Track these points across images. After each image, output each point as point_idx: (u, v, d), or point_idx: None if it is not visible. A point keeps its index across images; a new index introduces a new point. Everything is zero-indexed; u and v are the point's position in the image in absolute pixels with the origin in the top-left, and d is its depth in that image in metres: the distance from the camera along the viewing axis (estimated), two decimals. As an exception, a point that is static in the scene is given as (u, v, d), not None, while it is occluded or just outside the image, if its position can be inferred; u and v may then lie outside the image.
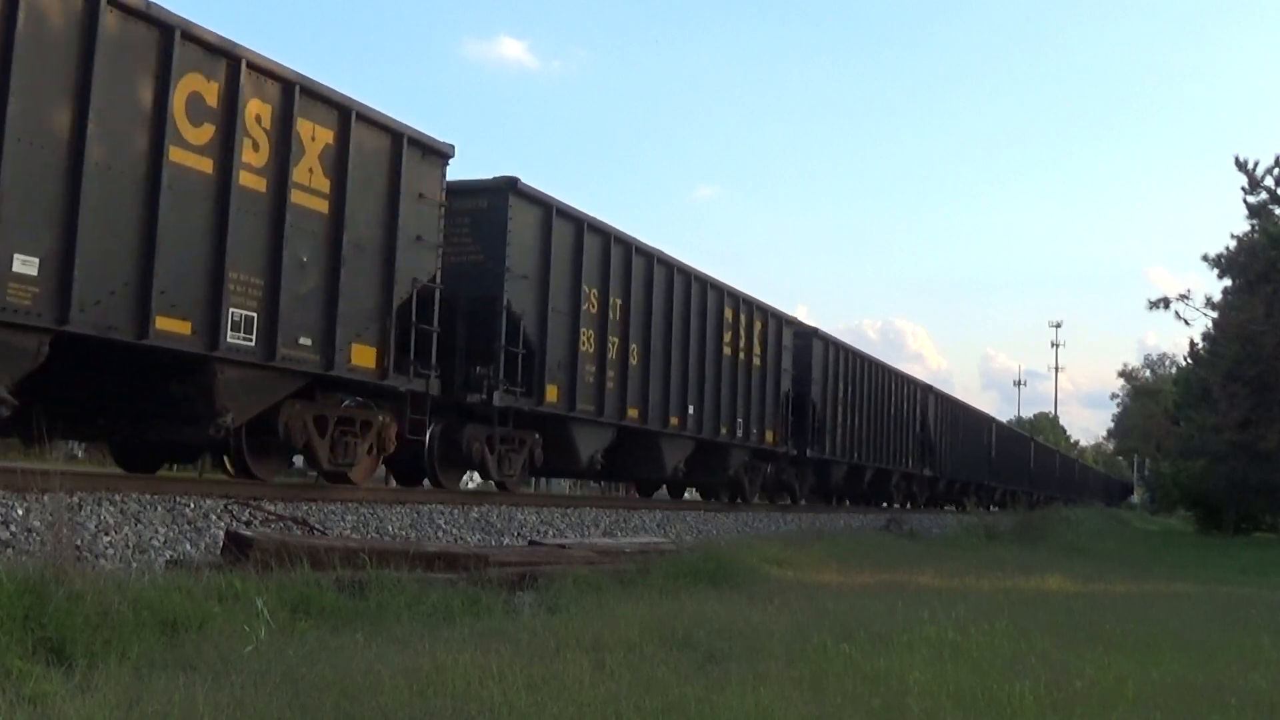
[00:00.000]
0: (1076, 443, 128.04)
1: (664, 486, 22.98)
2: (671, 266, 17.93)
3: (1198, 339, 40.31)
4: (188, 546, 8.67)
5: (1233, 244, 33.08)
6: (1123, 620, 9.31)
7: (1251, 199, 31.45)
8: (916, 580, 12.27)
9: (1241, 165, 31.06)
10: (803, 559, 13.49)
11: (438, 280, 12.45)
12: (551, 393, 14.71)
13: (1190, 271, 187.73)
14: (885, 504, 32.13)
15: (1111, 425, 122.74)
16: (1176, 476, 58.30)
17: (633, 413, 16.69)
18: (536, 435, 15.03)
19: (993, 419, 48.06)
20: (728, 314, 19.97)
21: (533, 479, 21.67)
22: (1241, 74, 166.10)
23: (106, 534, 8.27)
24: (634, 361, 16.69)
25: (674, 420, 17.99)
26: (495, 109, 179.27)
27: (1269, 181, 30.94)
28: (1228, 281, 33.97)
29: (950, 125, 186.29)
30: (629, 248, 16.64)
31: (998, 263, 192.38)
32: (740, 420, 20.51)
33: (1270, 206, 31.30)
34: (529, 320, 14.19)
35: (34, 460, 10.94)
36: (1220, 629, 9.34)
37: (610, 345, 15.98)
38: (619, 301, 16.27)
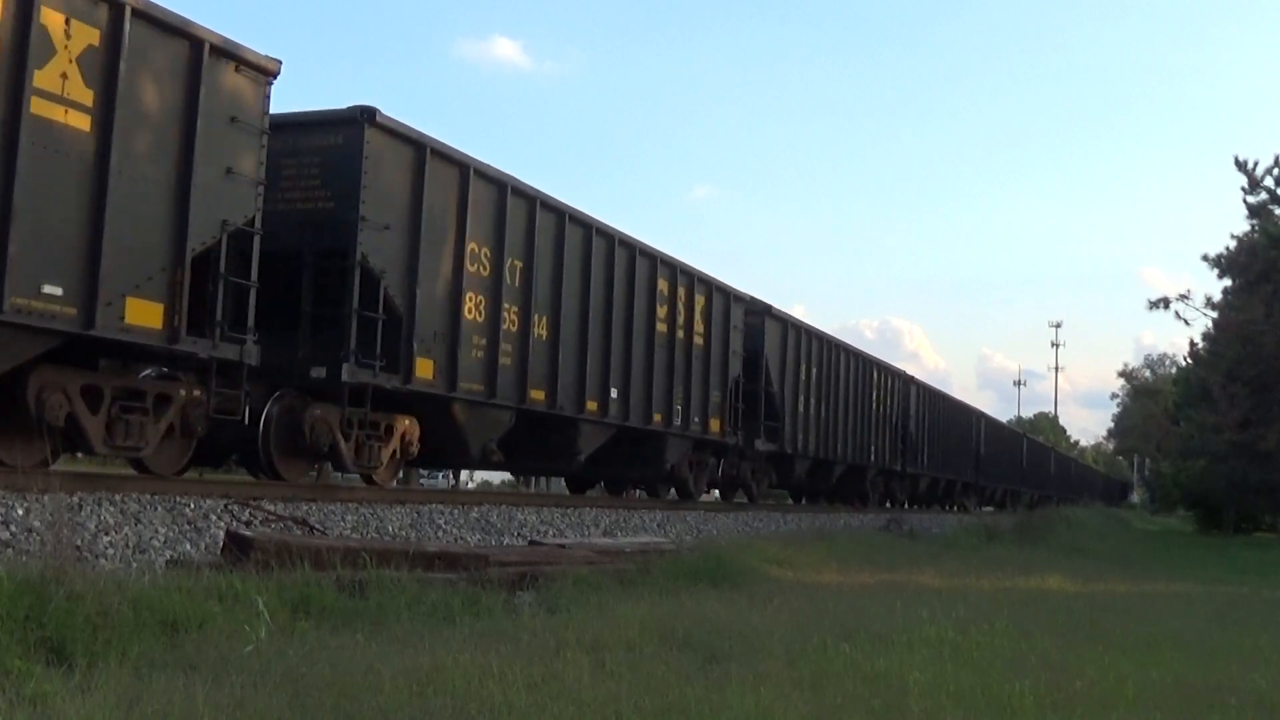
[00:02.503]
0: (1076, 443, 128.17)
1: (563, 480, 20.56)
2: (589, 227, 15.70)
3: (1197, 339, 40.36)
4: (188, 546, 8.67)
5: (1233, 244, 33.10)
6: (1123, 620, 9.31)
7: (1251, 199, 31.41)
8: (916, 580, 12.26)
9: (1241, 165, 31.03)
10: (803, 559, 13.47)
11: (258, 225, 10.28)
12: (424, 368, 12.47)
13: (1185, 271, 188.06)
14: (860, 503, 29.37)
15: (1111, 425, 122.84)
16: (1176, 476, 58.24)
17: (537, 394, 14.45)
18: (410, 420, 12.91)
19: (982, 413, 45.18)
20: (662, 285, 17.65)
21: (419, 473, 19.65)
22: (1241, 74, 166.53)
23: (106, 534, 8.27)
24: (539, 335, 14.51)
25: (591, 405, 15.75)
26: (491, 109, 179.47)
27: (1269, 181, 30.89)
28: (1227, 281, 33.99)
29: (949, 125, 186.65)
30: (532, 201, 14.30)
31: (996, 263, 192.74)
32: (679, 407, 18.13)
33: (1270, 206, 31.27)
34: (392, 280, 11.97)
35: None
36: (1220, 629, 9.34)
37: (507, 315, 13.83)
38: (518, 264, 14.08)
